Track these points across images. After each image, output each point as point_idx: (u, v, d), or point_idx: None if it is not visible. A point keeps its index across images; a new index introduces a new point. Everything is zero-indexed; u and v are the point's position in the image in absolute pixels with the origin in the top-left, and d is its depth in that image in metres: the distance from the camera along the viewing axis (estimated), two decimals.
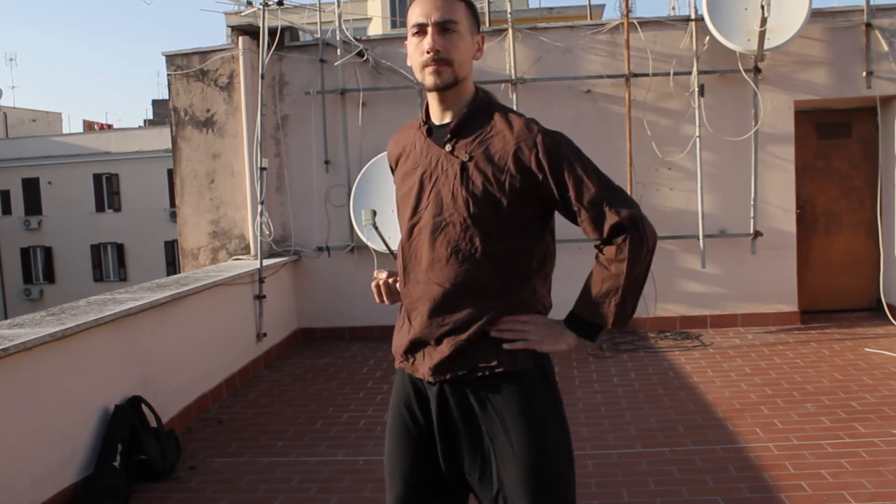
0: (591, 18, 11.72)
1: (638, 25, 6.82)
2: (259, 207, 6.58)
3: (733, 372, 5.52)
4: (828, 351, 5.99)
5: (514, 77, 6.88)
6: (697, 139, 6.71)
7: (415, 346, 1.89)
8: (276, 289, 6.66)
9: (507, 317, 1.82)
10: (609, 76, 6.86)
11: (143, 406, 4.23)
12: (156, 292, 4.82)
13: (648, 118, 6.84)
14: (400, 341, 1.94)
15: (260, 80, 6.72)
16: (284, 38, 7.14)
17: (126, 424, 3.98)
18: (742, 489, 3.51)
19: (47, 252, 28.52)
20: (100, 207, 28.25)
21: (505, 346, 1.81)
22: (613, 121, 6.89)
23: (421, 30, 1.81)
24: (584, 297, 1.85)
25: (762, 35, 6.25)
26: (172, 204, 23.78)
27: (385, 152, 2.21)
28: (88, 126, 37.36)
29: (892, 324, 6.72)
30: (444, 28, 1.79)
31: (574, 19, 13.05)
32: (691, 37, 6.76)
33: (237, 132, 7.17)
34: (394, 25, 25.15)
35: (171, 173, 12.98)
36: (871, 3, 6.66)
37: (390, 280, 1.96)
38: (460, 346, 1.81)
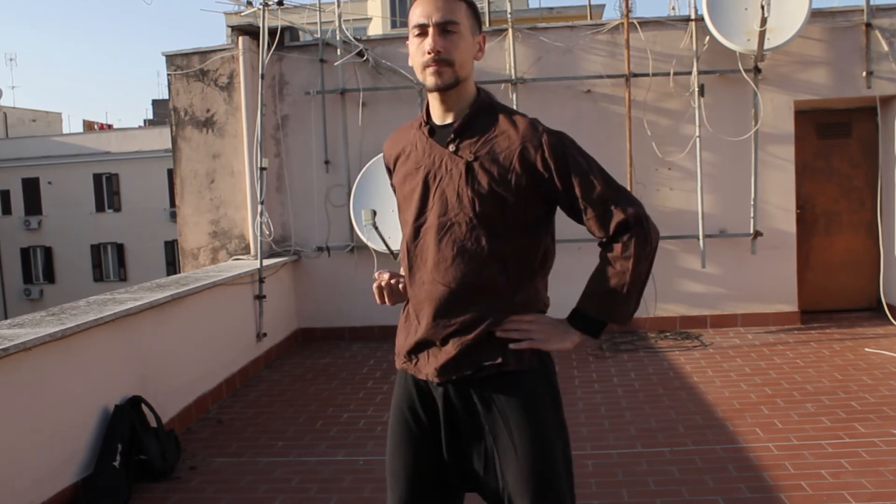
0: (591, 18, 11.72)
1: (638, 25, 6.82)
2: (259, 207, 6.58)
3: (733, 372, 5.52)
4: (828, 351, 5.99)
5: (514, 77, 6.88)
6: (697, 139, 6.71)
7: (420, 347, 1.89)
8: (276, 289, 6.66)
9: (512, 316, 1.84)
10: (609, 76, 6.86)
11: (143, 406, 4.23)
12: (156, 292, 4.82)
13: (648, 118, 6.84)
14: (404, 342, 1.93)
15: (260, 80, 6.72)
16: (284, 38, 7.14)
17: (126, 424, 3.98)
18: (742, 489, 3.51)
19: (47, 252, 28.53)
20: (100, 207, 28.25)
21: (511, 345, 1.82)
22: (613, 121, 6.89)
23: (422, 30, 1.81)
24: (588, 294, 1.86)
25: (762, 35, 6.25)
26: (172, 204, 23.79)
27: None
28: (88, 126, 37.36)
29: (892, 324, 6.72)
30: (445, 29, 1.80)
31: (574, 19, 13.05)
32: (691, 37, 6.76)
33: (237, 132, 7.17)
34: (394, 25, 25.16)
35: (171, 173, 12.98)
36: (871, 3, 6.66)
37: (392, 281, 1.96)
38: (466, 347, 1.82)
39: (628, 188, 6.71)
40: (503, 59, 6.94)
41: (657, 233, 1.85)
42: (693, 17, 6.77)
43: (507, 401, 1.82)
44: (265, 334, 6.33)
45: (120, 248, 28.11)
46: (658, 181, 6.93)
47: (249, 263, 6.64)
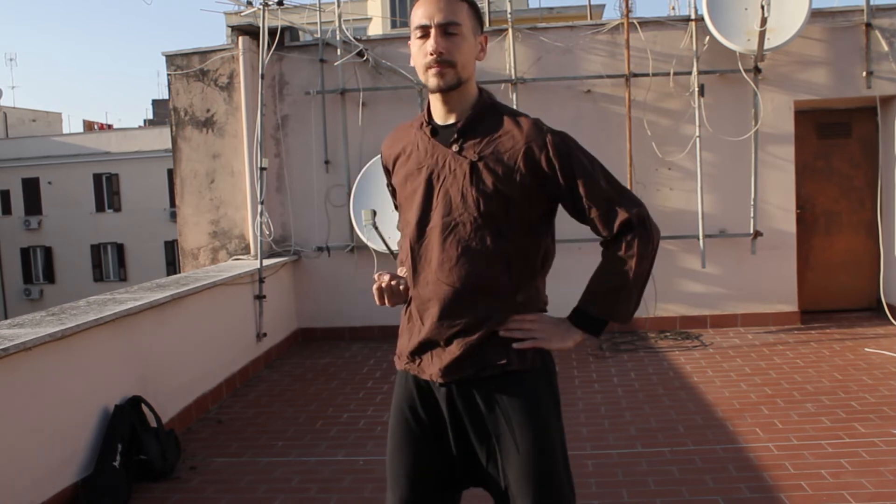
0: (591, 18, 11.72)
1: (638, 25, 6.82)
2: (259, 207, 6.58)
3: (733, 372, 5.52)
4: (828, 351, 5.99)
5: (514, 77, 6.88)
6: (697, 139, 6.71)
7: (423, 347, 1.89)
8: (276, 289, 6.66)
9: (515, 316, 1.85)
10: (609, 76, 6.86)
11: (143, 406, 4.23)
12: (156, 292, 4.82)
13: (648, 118, 6.84)
14: (407, 343, 1.94)
15: (260, 80, 6.72)
16: (284, 38, 7.14)
17: (126, 424, 3.98)
18: (742, 489, 3.51)
19: (47, 252, 28.53)
20: (100, 207, 28.25)
21: (515, 345, 1.83)
22: (613, 121, 6.89)
23: (424, 32, 1.82)
24: (590, 293, 1.88)
25: (762, 35, 6.25)
26: (172, 204, 23.79)
27: None
28: (88, 126, 37.36)
29: (892, 324, 6.72)
30: (447, 30, 1.80)
31: (574, 19, 13.05)
32: (691, 37, 6.76)
33: (237, 132, 7.17)
34: (394, 25, 25.16)
35: (171, 173, 12.99)
36: (871, 3, 6.66)
37: (393, 283, 1.96)
38: (471, 347, 1.83)
39: (628, 188, 6.71)
40: (503, 59, 6.93)
41: (658, 232, 1.88)
42: (693, 17, 6.77)
43: (510, 401, 1.83)
44: (265, 334, 6.33)
45: (120, 248, 28.11)
46: (658, 181, 6.93)
47: (249, 263, 6.64)
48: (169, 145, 8.07)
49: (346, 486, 3.77)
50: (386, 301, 1.98)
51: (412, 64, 1.89)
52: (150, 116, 37.81)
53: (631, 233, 1.82)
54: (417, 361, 1.91)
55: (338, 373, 6.04)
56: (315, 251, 7.22)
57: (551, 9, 20.59)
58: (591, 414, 4.71)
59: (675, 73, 6.77)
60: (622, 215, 1.82)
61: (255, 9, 6.81)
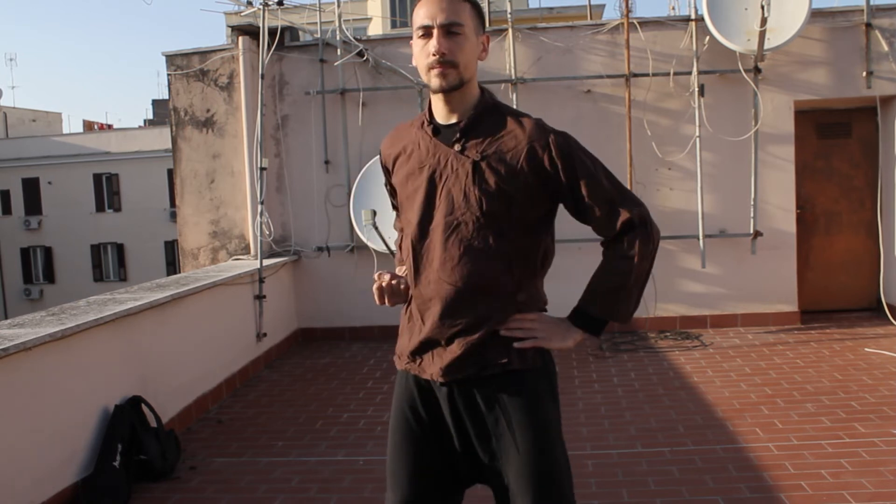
0: (591, 18, 11.72)
1: (638, 25, 6.82)
2: (259, 207, 6.58)
3: (733, 372, 5.52)
4: (828, 351, 5.99)
5: (514, 77, 6.88)
6: (697, 139, 6.71)
7: (424, 347, 1.89)
8: (276, 289, 6.66)
9: (515, 315, 1.85)
10: (609, 76, 6.86)
11: (143, 406, 4.23)
12: (156, 292, 4.82)
13: (648, 118, 6.84)
14: (408, 342, 1.94)
15: (260, 80, 6.72)
16: (284, 38, 7.14)
17: (126, 424, 3.98)
18: (742, 489, 3.51)
19: (47, 252, 28.52)
20: (100, 207, 28.25)
21: (516, 344, 1.84)
22: (613, 121, 6.89)
23: (426, 32, 1.82)
24: (591, 292, 1.89)
25: (762, 35, 6.25)
26: (172, 204, 23.79)
27: None
28: (88, 126, 37.36)
29: (892, 324, 6.72)
30: (449, 30, 1.80)
31: (574, 19, 13.05)
32: (691, 37, 6.76)
33: (237, 132, 7.17)
34: (394, 25, 25.16)
35: (171, 173, 12.99)
36: (871, 3, 6.66)
37: (393, 282, 1.96)
38: (472, 346, 1.83)
39: (629, 188, 6.71)
40: (503, 59, 6.93)
41: (658, 233, 1.89)
42: (693, 17, 6.77)
43: (511, 400, 1.83)
44: (265, 334, 6.33)
45: (120, 248, 28.11)
46: (658, 181, 6.93)
47: (249, 263, 6.64)
48: (169, 145, 8.07)
49: (346, 486, 3.77)
50: (386, 301, 1.98)
51: (414, 63, 1.89)
52: (150, 116, 37.82)
53: (632, 233, 1.84)
54: (418, 361, 1.91)
55: (338, 373, 6.04)
56: (315, 251, 7.22)
57: (551, 9, 20.61)
58: (591, 414, 4.71)
59: (675, 73, 6.77)
60: (623, 215, 1.83)
61: (255, 9, 6.81)
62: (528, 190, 1.82)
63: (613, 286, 1.85)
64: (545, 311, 1.94)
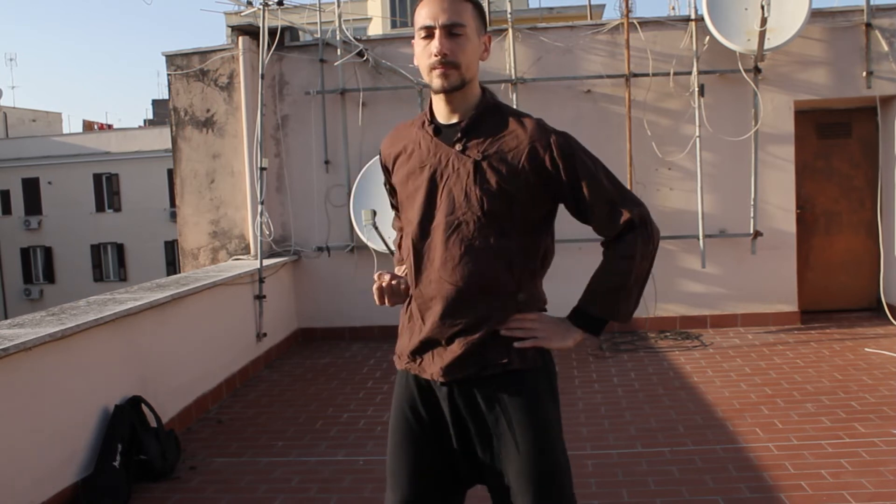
0: (591, 18, 11.73)
1: (638, 25, 6.82)
2: (259, 207, 6.58)
3: (733, 372, 5.52)
4: (828, 351, 5.99)
5: (514, 77, 6.88)
6: (697, 139, 6.71)
7: (425, 346, 1.89)
8: (276, 289, 6.66)
9: (517, 315, 1.86)
10: (609, 76, 6.86)
11: (143, 406, 4.23)
12: (156, 292, 4.82)
13: (648, 118, 6.84)
14: (408, 342, 1.94)
15: (260, 80, 6.72)
16: (284, 38, 7.14)
17: (126, 424, 3.98)
18: (742, 489, 3.51)
19: (47, 252, 28.52)
20: (100, 207, 28.25)
21: (516, 344, 1.84)
22: (613, 121, 6.89)
23: (428, 32, 1.82)
24: (591, 292, 1.90)
25: (762, 35, 6.25)
26: (172, 204, 23.79)
27: None
28: (88, 126, 37.35)
29: (892, 324, 6.72)
30: (451, 31, 1.80)
31: (574, 19, 13.05)
32: (691, 37, 6.76)
33: (237, 132, 7.17)
34: (394, 25, 25.16)
35: (171, 173, 12.98)
36: (871, 3, 6.66)
37: (393, 282, 1.96)
38: (472, 346, 1.83)
39: (629, 188, 6.71)
40: (503, 59, 6.93)
41: (658, 233, 1.90)
42: (693, 17, 6.77)
43: (511, 400, 1.84)
44: (265, 334, 6.33)
45: (120, 248, 28.11)
46: (658, 181, 6.93)
47: (249, 263, 6.64)
48: (169, 145, 8.06)
49: (346, 486, 3.77)
50: (386, 301, 1.98)
51: (415, 63, 1.89)
52: (150, 116, 37.82)
53: (632, 233, 1.84)
54: (418, 360, 1.91)
55: (338, 373, 6.04)
56: (315, 251, 7.22)
57: (551, 9, 20.61)
58: (591, 414, 4.71)
59: (675, 73, 6.77)
60: (624, 216, 1.84)
61: (255, 9, 6.81)
62: (529, 190, 1.83)
63: (614, 286, 1.86)
64: (545, 310, 1.94)
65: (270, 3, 6.53)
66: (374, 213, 6.15)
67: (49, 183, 28.28)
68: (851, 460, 3.75)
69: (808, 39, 6.68)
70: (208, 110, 7.22)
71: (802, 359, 5.79)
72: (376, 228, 6.14)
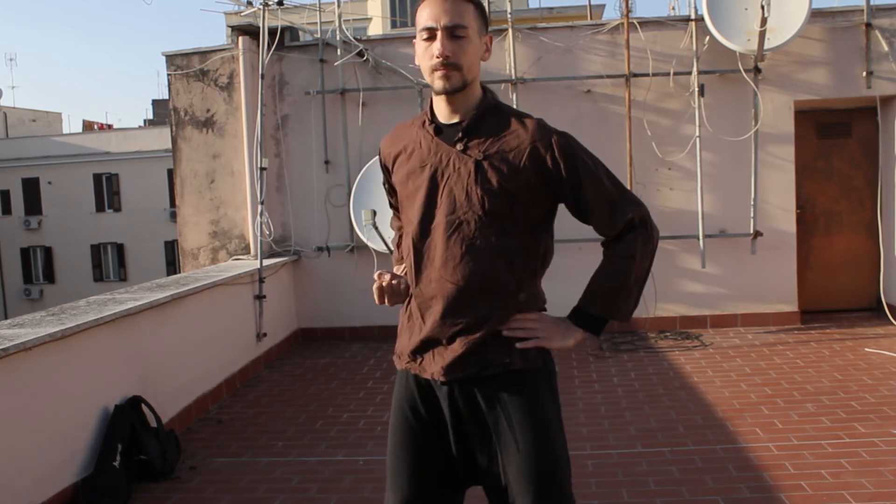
0: (591, 18, 11.74)
1: (638, 25, 6.82)
2: (259, 207, 6.58)
3: (733, 372, 5.52)
4: (828, 351, 5.99)
5: (514, 77, 6.88)
6: (697, 139, 6.71)
7: (425, 346, 1.89)
8: (276, 289, 6.66)
9: (518, 315, 1.86)
10: (609, 76, 6.86)
11: (143, 406, 4.23)
12: (156, 292, 4.82)
13: (648, 118, 6.84)
14: (408, 341, 1.94)
15: (260, 80, 6.72)
16: (284, 38, 7.14)
17: (126, 424, 3.98)
18: (742, 489, 3.51)
19: (47, 252, 28.52)
20: (100, 207, 28.25)
21: (518, 344, 1.84)
22: (613, 121, 6.89)
23: (430, 34, 1.82)
24: (591, 292, 1.91)
25: (762, 35, 6.25)
26: (172, 204, 23.78)
27: None
28: (88, 126, 37.34)
29: (892, 324, 6.72)
30: (453, 33, 1.81)
31: (574, 19, 13.06)
32: (691, 37, 6.76)
33: (237, 132, 7.17)
34: (394, 25, 25.15)
35: (171, 173, 12.98)
36: (871, 3, 6.66)
37: (394, 282, 1.97)
38: (473, 345, 1.84)
39: (628, 188, 6.70)
40: (503, 59, 6.93)
41: (658, 232, 1.92)
42: (693, 17, 6.77)
43: (511, 399, 1.84)
44: (265, 334, 6.33)
45: (120, 248, 28.10)
46: (658, 181, 6.93)
47: (249, 263, 6.64)
48: (169, 145, 8.06)
49: (346, 486, 3.77)
50: (386, 300, 1.98)
51: (417, 64, 1.90)
52: (150, 116, 37.81)
53: (632, 233, 1.86)
54: (419, 360, 1.91)
55: (338, 373, 6.04)
56: (315, 251, 7.22)
57: (551, 9, 20.62)
58: (591, 414, 4.71)
59: (675, 73, 6.77)
60: (625, 216, 1.85)
61: (255, 9, 6.81)
62: (531, 189, 1.83)
63: (614, 285, 1.87)
64: (545, 310, 1.95)
65: (270, 3, 6.53)
66: (374, 213, 6.15)
67: (49, 183, 28.28)
68: (851, 460, 3.75)
69: (808, 39, 6.68)
70: (208, 110, 7.22)
71: (802, 359, 5.79)
72: (376, 228, 6.14)
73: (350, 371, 6.07)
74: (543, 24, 7.27)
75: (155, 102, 37.66)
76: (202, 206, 7.29)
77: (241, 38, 7.08)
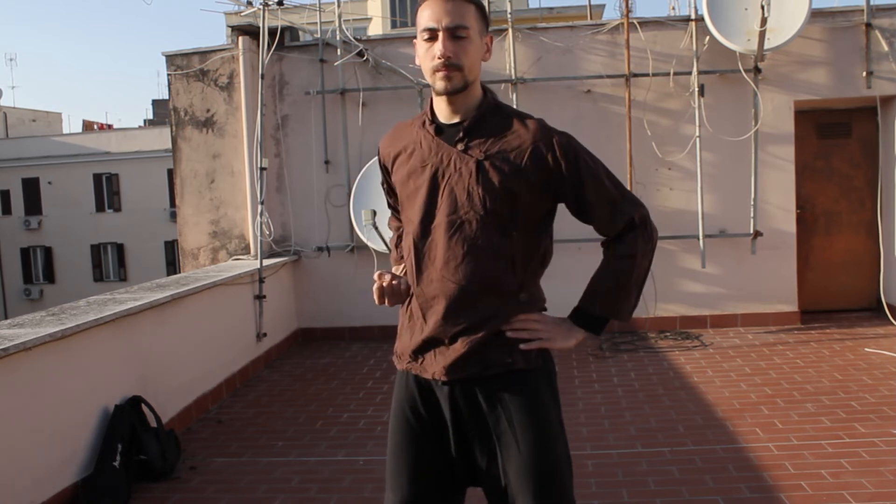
0: (591, 18, 11.74)
1: (638, 25, 6.82)
2: (259, 207, 6.58)
3: (733, 372, 5.52)
4: (828, 351, 5.99)
5: (514, 77, 6.88)
6: (697, 139, 6.71)
7: (427, 346, 1.89)
8: (276, 289, 6.66)
9: (520, 315, 1.87)
10: (609, 76, 6.86)
11: (143, 406, 4.23)
12: (156, 292, 4.82)
13: (648, 118, 6.84)
14: (409, 341, 1.93)
15: (260, 80, 6.72)
16: (284, 38, 7.14)
17: (126, 424, 3.98)
18: (742, 489, 3.51)
19: (47, 252, 28.52)
20: (100, 207, 28.25)
21: (522, 346, 1.85)
22: (613, 121, 6.89)
23: (432, 34, 1.82)
24: (592, 291, 1.92)
25: (762, 35, 6.25)
26: (172, 204, 23.79)
27: None
28: (88, 126, 37.34)
29: (892, 324, 6.72)
30: (454, 34, 1.81)
31: (574, 19, 13.06)
32: (691, 37, 6.76)
33: (237, 132, 7.17)
34: (394, 25, 25.15)
35: (171, 173, 12.98)
36: (871, 3, 6.66)
37: (394, 282, 1.97)
38: (476, 345, 1.84)
39: (628, 188, 6.70)
40: (503, 59, 6.94)
41: (656, 232, 1.93)
42: (693, 17, 6.77)
43: (512, 399, 1.84)
44: (265, 334, 6.33)
45: (120, 248, 28.10)
46: (658, 181, 6.93)
47: (249, 263, 6.64)
48: (169, 145, 8.07)
49: (346, 486, 3.77)
50: (386, 301, 1.98)
51: (418, 64, 1.90)
52: (150, 116, 37.80)
53: (633, 233, 1.87)
54: (420, 360, 1.91)
55: (338, 373, 6.04)
56: (315, 251, 7.22)
57: (551, 9, 20.62)
58: (591, 414, 4.71)
59: (675, 73, 6.77)
60: (625, 216, 1.86)
61: (255, 9, 6.81)
62: (532, 189, 1.84)
63: (615, 285, 1.88)
64: (545, 310, 1.95)
65: (270, 3, 6.53)
66: (374, 213, 6.16)
67: (49, 183, 28.28)
68: (851, 460, 3.75)
69: (808, 39, 6.68)
70: (208, 110, 7.22)
71: (802, 359, 5.79)
72: (376, 228, 6.14)
73: (350, 371, 6.07)
74: (543, 24, 7.27)
75: (155, 102, 37.66)
76: (202, 206, 7.29)
77: (241, 38, 7.08)
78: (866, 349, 5.96)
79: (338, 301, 7.22)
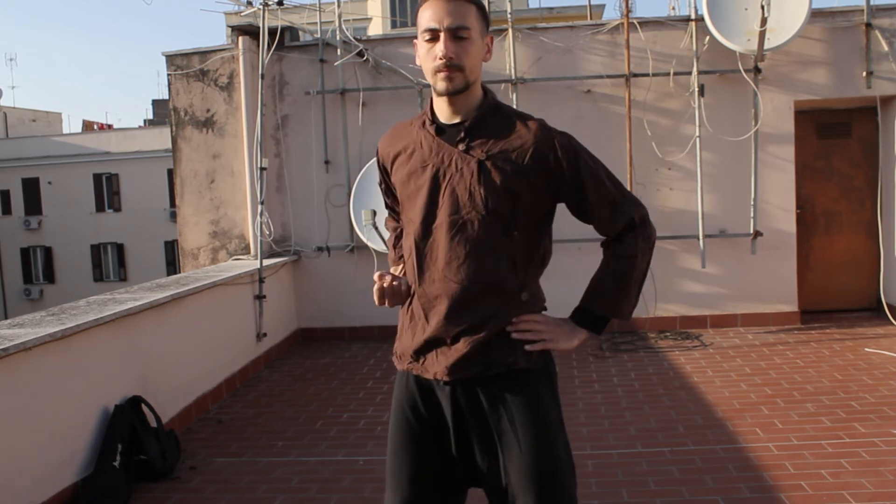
0: (591, 18, 11.74)
1: (638, 25, 6.82)
2: (259, 207, 6.58)
3: (733, 372, 5.52)
4: (828, 351, 5.99)
5: (514, 77, 6.88)
6: (697, 139, 6.71)
7: (429, 346, 1.89)
8: (276, 289, 6.66)
9: (522, 315, 1.87)
10: (609, 76, 6.86)
11: (143, 406, 4.23)
12: (156, 292, 4.82)
13: (648, 118, 6.84)
14: (411, 341, 1.93)
15: (260, 80, 6.72)
16: (284, 38, 7.14)
17: (126, 424, 3.98)
18: (742, 489, 3.51)
19: (47, 252, 28.52)
20: (100, 207, 28.25)
21: (527, 347, 1.85)
22: (613, 121, 6.89)
23: (433, 35, 1.82)
24: (592, 291, 1.93)
25: (762, 35, 6.25)
26: (172, 204, 23.79)
27: None
28: (88, 126, 37.34)
29: (892, 324, 6.72)
30: (456, 34, 1.81)
31: (574, 19, 13.06)
32: (691, 37, 6.76)
33: (237, 132, 7.17)
34: (394, 25, 25.14)
35: (171, 173, 12.99)
36: (871, 3, 6.66)
37: (395, 283, 1.97)
38: (478, 345, 1.84)
39: (628, 188, 6.70)
40: (503, 59, 6.94)
41: (655, 232, 1.94)
42: (693, 17, 6.77)
43: (513, 399, 1.84)
44: (265, 334, 6.33)
45: (120, 248, 28.10)
46: (658, 181, 6.93)
47: (249, 263, 6.64)
48: (169, 145, 8.07)
49: (346, 486, 3.77)
50: (386, 302, 1.98)
51: (419, 65, 1.90)
52: (150, 116, 37.81)
53: (633, 232, 1.88)
54: (421, 360, 1.91)
55: (338, 373, 6.04)
56: (315, 251, 7.22)
57: (551, 9, 20.63)
58: (591, 414, 4.71)
59: (675, 73, 6.77)
60: (625, 216, 1.87)
61: (255, 9, 6.81)
62: (533, 189, 1.84)
63: (616, 285, 1.89)
64: (545, 310, 1.96)
65: (270, 3, 6.53)
66: (374, 213, 6.16)
67: (49, 183, 28.28)
68: (851, 460, 3.75)
69: (808, 39, 6.68)
70: (208, 110, 7.22)
71: (802, 359, 5.79)
72: (376, 228, 6.15)
73: (350, 371, 6.07)
74: (543, 24, 7.27)
75: (155, 102, 37.66)
76: (202, 206, 7.29)
77: (241, 38, 7.08)
78: (866, 349, 5.96)
79: (338, 301, 7.22)
